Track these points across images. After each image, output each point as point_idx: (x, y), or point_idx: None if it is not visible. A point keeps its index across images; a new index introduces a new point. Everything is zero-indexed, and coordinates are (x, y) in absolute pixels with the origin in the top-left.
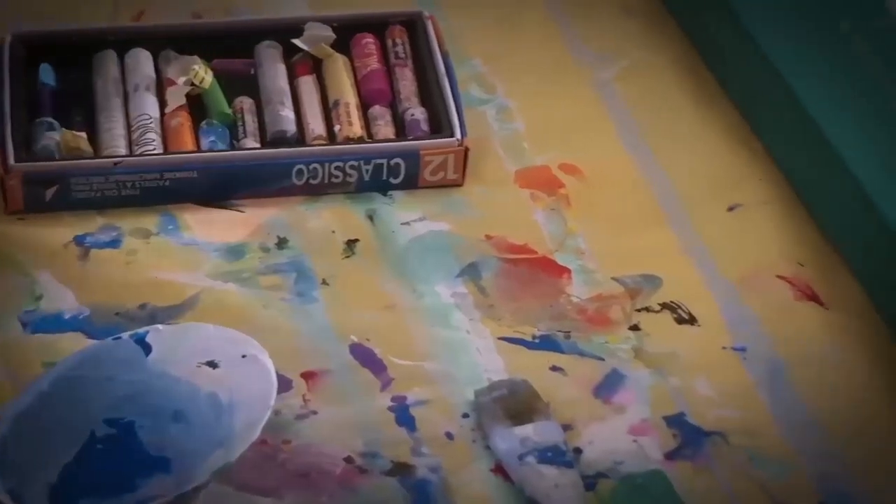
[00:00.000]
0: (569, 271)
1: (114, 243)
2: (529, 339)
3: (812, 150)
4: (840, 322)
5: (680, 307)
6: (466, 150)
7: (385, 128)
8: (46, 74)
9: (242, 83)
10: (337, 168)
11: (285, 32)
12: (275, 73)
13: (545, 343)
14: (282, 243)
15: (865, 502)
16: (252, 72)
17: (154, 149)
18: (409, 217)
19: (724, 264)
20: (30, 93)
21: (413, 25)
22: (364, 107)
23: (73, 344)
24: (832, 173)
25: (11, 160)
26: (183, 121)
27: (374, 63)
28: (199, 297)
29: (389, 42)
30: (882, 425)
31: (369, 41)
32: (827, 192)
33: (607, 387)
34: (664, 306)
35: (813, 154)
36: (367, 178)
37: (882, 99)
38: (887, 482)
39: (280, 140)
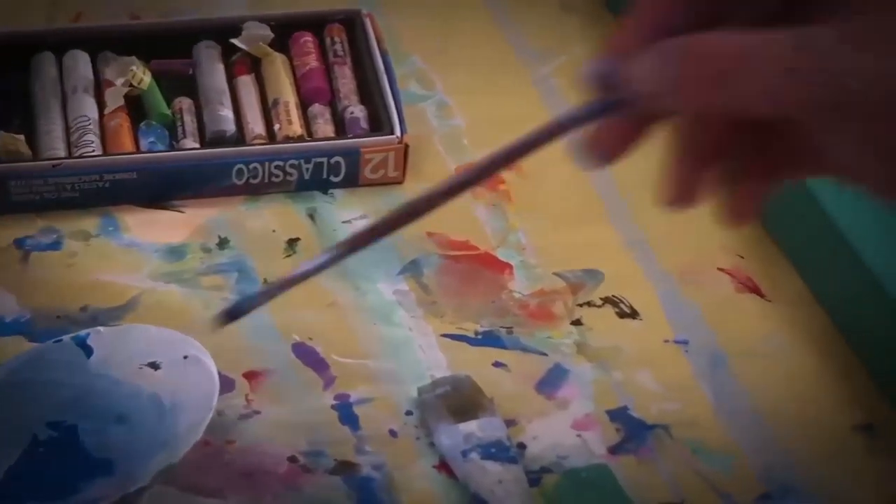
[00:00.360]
0: (510, 267)
1: (54, 246)
2: (472, 335)
3: None
4: (781, 313)
5: (622, 301)
6: (406, 147)
7: (325, 126)
8: None
9: (181, 83)
10: (277, 167)
11: (223, 32)
12: (213, 73)
13: (488, 339)
14: (223, 243)
15: (809, 492)
16: (190, 72)
17: (93, 150)
18: (350, 215)
19: (665, 258)
20: None
21: (351, 23)
22: (303, 105)
23: (15, 347)
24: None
25: None
26: (122, 122)
27: (312, 62)
28: (141, 298)
29: (328, 40)
30: (825, 415)
31: (308, 40)
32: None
33: (550, 382)
34: (606, 301)
35: None
36: (307, 176)
37: None
38: (831, 472)
39: (219, 140)
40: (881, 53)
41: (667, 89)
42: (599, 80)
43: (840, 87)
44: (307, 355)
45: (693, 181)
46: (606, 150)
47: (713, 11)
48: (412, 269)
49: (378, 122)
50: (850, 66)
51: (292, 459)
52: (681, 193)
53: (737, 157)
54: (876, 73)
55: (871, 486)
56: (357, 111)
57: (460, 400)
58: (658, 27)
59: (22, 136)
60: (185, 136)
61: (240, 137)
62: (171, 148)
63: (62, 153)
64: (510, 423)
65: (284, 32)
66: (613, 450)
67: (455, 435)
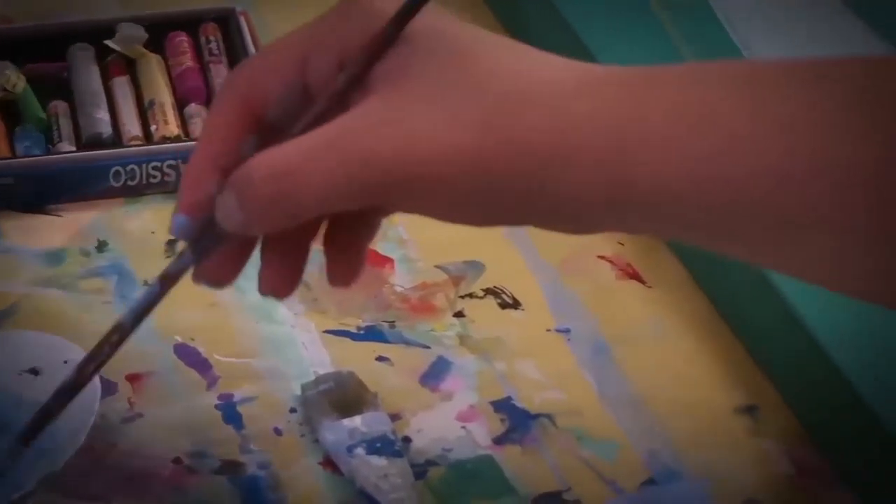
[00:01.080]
0: (391, 261)
1: None
2: (354, 330)
3: None
4: (662, 299)
5: (503, 292)
6: None
7: (202, 126)
8: None
9: (56, 87)
10: (154, 168)
11: (97, 34)
12: (88, 76)
13: (370, 334)
14: (102, 246)
15: (693, 476)
16: (65, 75)
17: None
18: None
19: (546, 247)
20: None
21: (226, 22)
22: (180, 105)
23: None
24: None
25: None
26: None
27: (187, 61)
28: (20, 304)
29: (203, 39)
30: (707, 398)
31: (182, 39)
32: None
33: (434, 374)
34: (488, 292)
35: None
36: None
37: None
38: (714, 455)
39: (96, 142)
40: (385, 137)
41: (247, 220)
42: (185, 234)
43: (364, 171)
44: (189, 356)
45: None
46: (219, 278)
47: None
48: None
49: None
50: (368, 147)
51: (177, 461)
52: (281, 285)
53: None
54: (392, 152)
55: (755, 468)
56: None
57: (344, 396)
58: (226, 155)
59: None
60: (61, 140)
61: (116, 139)
62: (48, 152)
63: None
64: (395, 417)
65: (159, 32)
66: (498, 440)
67: (339, 431)
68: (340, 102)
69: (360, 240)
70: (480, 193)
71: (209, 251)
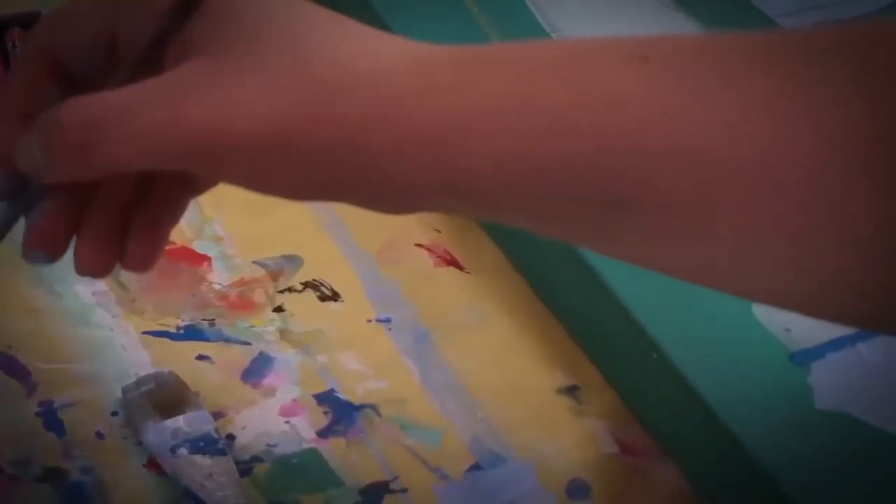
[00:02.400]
0: (209, 259)
1: None
2: (174, 330)
3: None
4: (480, 284)
5: (322, 284)
6: None
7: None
8: None
9: None
10: None
11: None
12: None
13: (190, 333)
14: None
15: (518, 459)
16: None
17: None
18: None
19: (363, 237)
20: None
21: (32, 26)
22: None
23: None
24: None
25: None
26: None
27: None
28: None
29: (9, 45)
30: (530, 380)
31: None
32: None
33: (255, 371)
34: (307, 285)
35: None
36: None
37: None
38: (539, 437)
39: None
40: (196, 101)
41: (49, 164)
42: None
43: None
44: (7, 364)
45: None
46: (50, 246)
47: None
48: None
49: None
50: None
51: None
52: (98, 263)
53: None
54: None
55: (579, 447)
56: None
57: (165, 396)
58: (30, 104)
59: None
60: None
61: None
62: None
63: None
64: (218, 415)
65: None
66: (323, 433)
67: (162, 432)
68: (153, 62)
69: (164, 221)
70: (293, 169)
71: (27, 208)
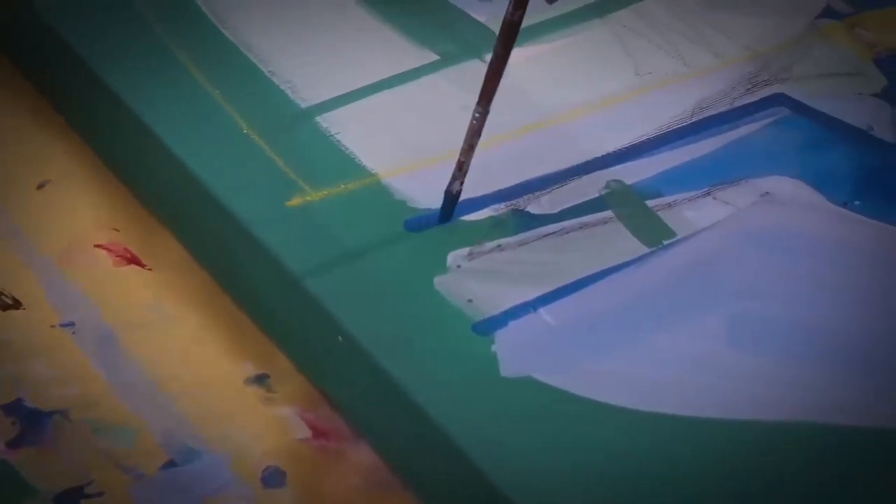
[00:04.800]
0: None
1: None
2: None
3: (114, 119)
4: (164, 280)
5: (2, 293)
6: None
7: None
8: None
9: None
10: None
11: None
12: None
13: None
14: None
15: (213, 452)
16: None
17: None
18: None
19: (42, 242)
20: None
21: None
22: None
23: None
24: (149, 149)
25: None
26: None
27: None
28: None
29: None
30: (219, 373)
31: None
32: (143, 166)
33: None
34: None
35: (119, 125)
36: None
37: (167, 55)
38: (232, 428)
39: None
40: None
41: None
42: None
43: None
44: None
45: None
46: None
47: None
48: None
49: None
50: None
51: None
52: None
53: None
54: None
55: (272, 435)
56: None
57: None
58: None
59: None
60: None
61: None
62: None
63: None
64: None
65: None
66: (13, 444)
67: None
68: None
69: None
70: None
71: None
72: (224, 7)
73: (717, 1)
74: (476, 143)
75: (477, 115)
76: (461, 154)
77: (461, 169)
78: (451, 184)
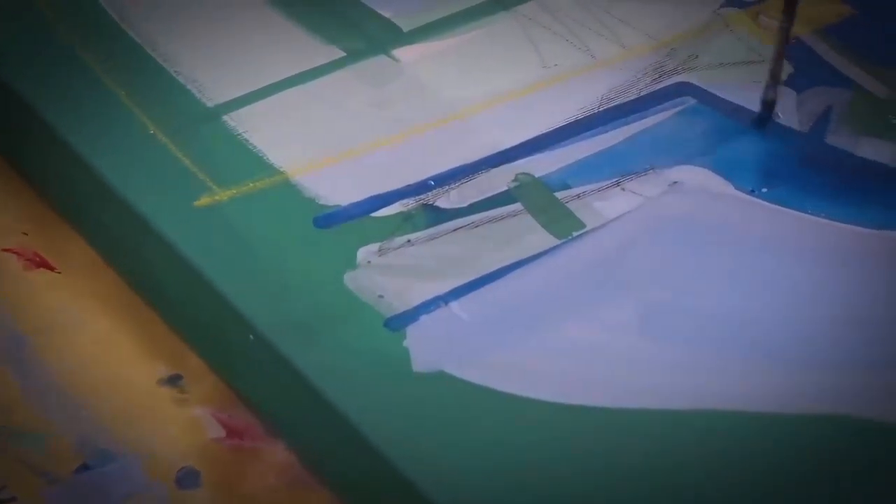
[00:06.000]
0: None
1: None
2: None
3: (19, 121)
4: (74, 284)
5: None
6: None
7: None
8: None
9: None
10: None
11: None
12: None
13: None
14: None
15: (126, 455)
16: None
17: None
18: None
19: None
20: None
21: None
22: None
23: None
24: (54, 151)
25: None
26: None
27: None
28: None
29: None
30: (131, 375)
31: None
32: (49, 168)
33: None
34: None
35: (24, 127)
36: None
37: (70, 55)
38: (145, 430)
39: None
40: None
41: None
42: None
43: None
44: None
45: None
46: None
47: None
48: None
49: None
50: None
51: None
52: None
53: None
54: None
55: (186, 436)
56: None
57: None
58: None
59: None
60: None
61: None
62: None
63: None
64: None
65: None
66: None
67: None
68: None
69: None
70: None
71: None
72: (128, 6)
73: None
74: (783, 51)
75: (782, 22)
76: (771, 63)
77: (774, 77)
78: (765, 91)
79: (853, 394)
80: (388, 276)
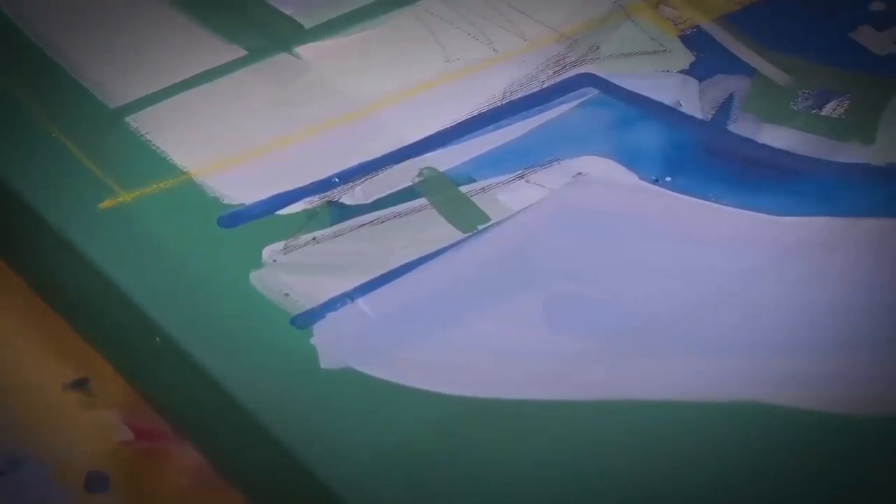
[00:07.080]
0: None
1: None
2: None
3: None
4: None
5: None
6: None
7: None
8: None
9: None
10: None
11: None
12: None
13: None
14: None
15: (33, 461)
16: None
17: None
18: None
19: None
20: None
21: None
22: None
23: None
24: None
25: None
26: None
27: None
28: None
29: None
30: (36, 380)
31: None
32: None
33: None
34: None
35: None
36: None
37: None
38: (52, 436)
39: None
40: None
41: None
42: None
43: None
44: None
45: None
46: None
47: None
48: None
49: None
50: None
51: None
52: None
53: None
54: None
55: (94, 440)
56: None
57: None
58: None
59: None
60: None
61: None
62: None
63: None
64: None
65: None
66: None
67: None
68: None
69: None
70: None
71: None
72: (26, 7)
73: None
74: None
75: None
76: None
77: None
78: None
79: (761, 380)
80: (293, 274)
